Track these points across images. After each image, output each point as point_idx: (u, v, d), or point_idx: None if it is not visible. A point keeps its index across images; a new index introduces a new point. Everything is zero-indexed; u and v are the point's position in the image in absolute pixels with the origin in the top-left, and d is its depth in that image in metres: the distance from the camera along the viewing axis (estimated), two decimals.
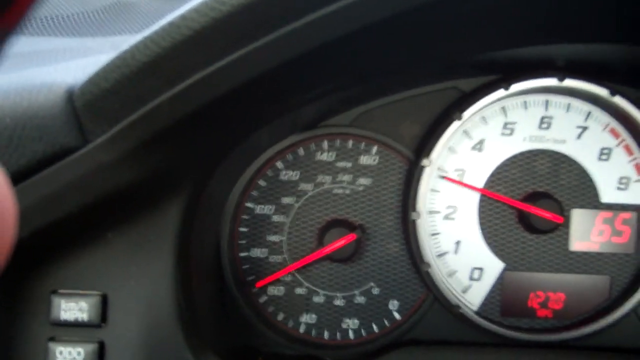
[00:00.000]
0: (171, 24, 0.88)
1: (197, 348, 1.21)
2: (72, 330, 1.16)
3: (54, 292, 1.15)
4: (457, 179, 1.43)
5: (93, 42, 1.34)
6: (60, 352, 1.15)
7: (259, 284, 1.45)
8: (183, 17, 0.87)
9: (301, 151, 1.45)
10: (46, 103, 0.95)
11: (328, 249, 1.42)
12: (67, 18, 1.58)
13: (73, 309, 1.15)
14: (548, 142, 1.43)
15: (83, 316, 1.15)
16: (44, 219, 1.01)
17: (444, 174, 1.43)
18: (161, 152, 1.02)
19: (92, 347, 1.15)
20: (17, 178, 0.96)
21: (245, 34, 0.89)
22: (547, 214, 1.41)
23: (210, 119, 1.01)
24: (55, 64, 1.08)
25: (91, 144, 0.95)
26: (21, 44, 1.31)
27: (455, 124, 1.39)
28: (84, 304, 1.15)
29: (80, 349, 1.15)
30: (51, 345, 1.15)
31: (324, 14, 0.89)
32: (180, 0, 1.61)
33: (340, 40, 0.93)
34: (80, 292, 1.15)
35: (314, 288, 1.47)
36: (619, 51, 1.32)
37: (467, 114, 1.38)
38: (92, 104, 0.93)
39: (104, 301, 1.16)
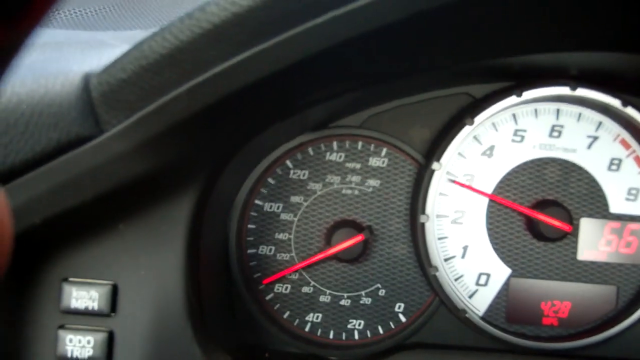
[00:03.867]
0: (190, 17, 0.89)
1: (204, 342, 1.22)
2: (82, 319, 1.17)
3: (65, 280, 1.17)
4: (466, 184, 1.44)
5: (105, 36, 1.36)
6: (70, 340, 1.16)
7: (266, 280, 1.46)
8: (203, 11, 0.89)
9: (311, 151, 1.46)
10: (62, 91, 0.96)
11: (335, 249, 1.43)
12: (79, 13, 1.60)
13: (84, 297, 1.16)
14: (558, 150, 1.44)
15: (93, 305, 1.16)
16: (57, 206, 1.03)
17: (454, 178, 1.44)
18: (175, 145, 1.03)
19: (101, 336, 1.17)
20: (31, 165, 0.97)
21: (265, 29, 0.90)
22: (556, 222, 1.41)
23: (224, 114, 1.03)
24: (71, 54, 1.10)
25: (106, 133, 0.96)
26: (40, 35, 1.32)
27: (466, 129, 1.39)
28: (94, 293, 1.16)
29: (90, 338, 1.16)
30: (61, 332, 1.17)
31: (344, 12, 0.90)
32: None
33: (358, 40, 0.94)
34: (91, 280, 1.17)
35: (321, 287, 1.47)
36: (632, 61, 1.33)
37: (478, 119, 1.39)
38: (109, 94, 0.95)
39: (114, 291, 1.17)
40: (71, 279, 1.17)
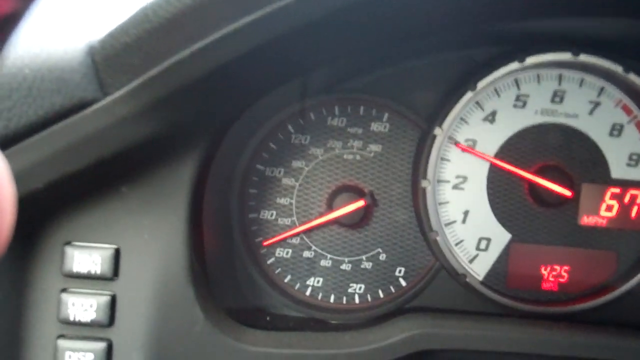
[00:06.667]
0: None
1: (207, 305, 1.24)
2: (85, 282, 1.18)
3: (68, 243, 1.17)
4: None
5: None
6: (73, 304, 1.17)
7: (266, 242, 1.47)
8: None
9: (312, 116, 1.45)
10: (65, 56, 0.96)
11: (337, 214, 1.43)
12: None
13: (86, 261, 1.17)
14: (560, 116, 1.44)
15: (96, 269, 1.17)
16: (60, 170, 1.03)
17: (456, 143, 1.44)
18: (178, 109, 1.03)
19: (104, 299, 1.18)
20: (34, 129, 0.97)
21: None
22: (557, 188, 1.42)
23: (228, 77, 1.02)
24: (75, 17, 1.09)
25: (109, 97, 0.96)
26: None
27: (468, 95, 1.39)
28: (97, 257, 1.17)
29: (93, 301, 1.17)
30: (64, 296, 1.18)
31: None
32: None
33: (361, 3, 0.94)
34: (94, 244, 1.17)
35: (322, 252, 1.48)
36: (635, 27, 1.32)
37: (480, 84, 1.38)
38: (112, 58, 0.94)
39: (117, 255, 1.18)
40: (74, 243, 1.17)
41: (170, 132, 1.07)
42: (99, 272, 1.17)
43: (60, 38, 0.99)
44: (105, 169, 1.07)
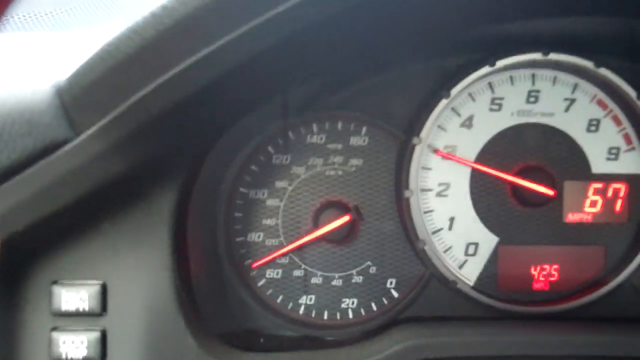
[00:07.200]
0: (153, 15, 0.90)
1: (198, 332, 1.23)
2: (74, 320, 1.18)
3: (55, 282, 1.17)
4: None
5: (75, 34, 1.35)
6: (64, 342, 1.17)
7: (256, 264, 1.47)
8: (164, 7, 0.89)
9: (291, 135, 1.46)
10: (34, 98, 0.97)
11: (323, 230, 1.44)
12: (48, 14, 1.59)
13: (74, 298, 1.17)
14: (536, 115, 1.44)
15: (84, 305, 1.17)
16: (39, 212, 1.03)
17: (436, 150, 1.44)
18: (151, 141, 1.04)
19: (94, 335, 1.18)
20: (9, 173, 0.98)
21: (229, 20, 0.90)
22: (539, 187, 1.42)
23: (198, 105, 1.03)
24: (40, 58, 1.10)
25: (81, 136, 0.96)
26: (2, 41, 1.32)
27: (443, 102, 1.40)
28: (84, 294, 1.17)
29: (84, 338, 1.18)
30: (54, 335, 1.18)
31: None
32: None
33: (327, 20, 0.95)
34: (80, 281, 1.17)
35: (312, 270, 1.48)
36: (602, 23, 1.33)
37: (454, 91, 1.39)
38: (80, 97, 0.95)
39: (104, 290, 1.18)
40: (60, 281, 1.18)
41: (146, 164, 1.07)
42: (87, 308, 1.17)
43: (27, 81, 0.99)
44: (84, 206, 1.07)
